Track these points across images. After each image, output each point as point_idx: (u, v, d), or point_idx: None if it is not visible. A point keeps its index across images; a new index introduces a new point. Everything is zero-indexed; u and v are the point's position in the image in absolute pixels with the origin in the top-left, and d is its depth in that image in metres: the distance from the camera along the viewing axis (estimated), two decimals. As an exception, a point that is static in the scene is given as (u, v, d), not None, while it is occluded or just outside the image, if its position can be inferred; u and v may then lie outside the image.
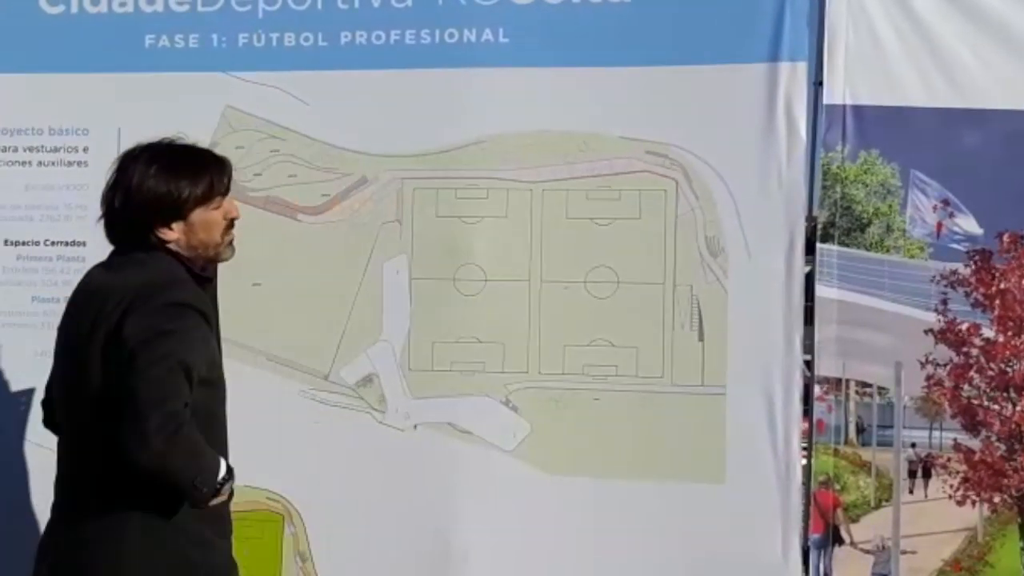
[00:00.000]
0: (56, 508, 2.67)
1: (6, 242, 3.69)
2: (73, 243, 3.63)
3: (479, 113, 3.48)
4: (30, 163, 3.70)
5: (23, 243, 3.70)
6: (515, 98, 3.46)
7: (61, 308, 3.57)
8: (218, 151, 3.52)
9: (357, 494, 3.48)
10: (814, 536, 3.37)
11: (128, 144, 3.52)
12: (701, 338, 3.35)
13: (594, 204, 3.42)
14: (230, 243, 2.74)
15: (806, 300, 3.32)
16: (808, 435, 3.38)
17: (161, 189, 2.60)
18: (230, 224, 2.73)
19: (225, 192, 2.71)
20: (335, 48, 3.55)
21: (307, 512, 3.52)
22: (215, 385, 2.69)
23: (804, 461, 3.36)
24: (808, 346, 3.34)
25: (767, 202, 3.32)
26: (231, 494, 2.67)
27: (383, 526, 3.46)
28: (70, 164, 3.65)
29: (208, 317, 2.63)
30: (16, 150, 3.71)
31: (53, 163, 3.67)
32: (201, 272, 2.69)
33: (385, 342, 3.52)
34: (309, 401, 3.53)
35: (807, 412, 3.37)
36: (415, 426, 3.49)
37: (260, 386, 3.51)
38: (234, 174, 3.51)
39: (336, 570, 3.50)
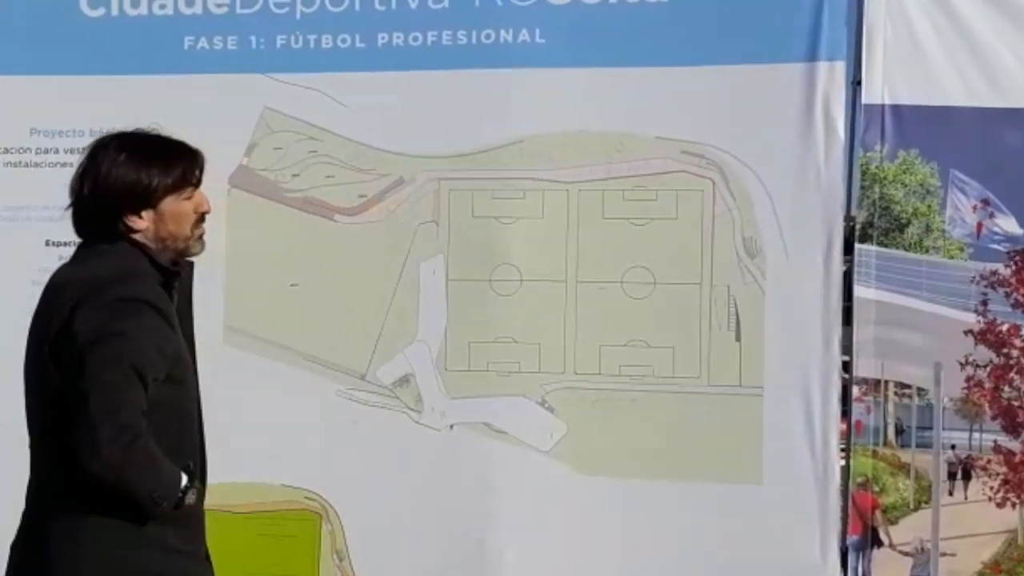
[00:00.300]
0: (24, 513, 2.57)
1: (47, 243, 3.72)
2: (112, 244, 3.66)
3: (515, 114, 3.48)
4: (71, 164, 3.67)
5: (64, 244, 3.71)
6: (551, 98, 3.46)
7: (101, 308, 3.69)
8: (257, 152, 3.62)
9: (393, 493, 3.49)
10: (852, 538, 3.35)
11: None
12: (738, 339, 3.34)
13: (630, 204, 3.42)
14: (200, 237, 2.63)
15: (844, 300, 3.30)
16: (846, 436, 3.36)
17: (131, 176, 2.52)
18: (200, 218, 2.63)
19: (197, 184, 2.62)
20: (372, 49, 3.56)
21: (344, 511, 3.53)
22: (183, 383, 2.57)
23: (842, 462, 3.34)
24: (846, 347, 3.32)
25: (805, 202, 3.30)
26: (201, 498, 2.58)
27: (419, 525, 3.47)
28: (110, 165, 3.68)
29: (165, 312, 2.51)
30: (57, 151, 3.75)
31: None
32: (170, 266, 2.59)
33: (421, 342, 3.53)
34: (346, 401, 3.54)
35: (845, 413, 3.35)
36: (451, 426, 3.50)
37: (298, 386, 3.54)
38: (273, 175, 3.61)
39: (373, 569, 3.51)
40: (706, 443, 3.34)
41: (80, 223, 2.59)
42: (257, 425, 3.56)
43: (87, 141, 3.61)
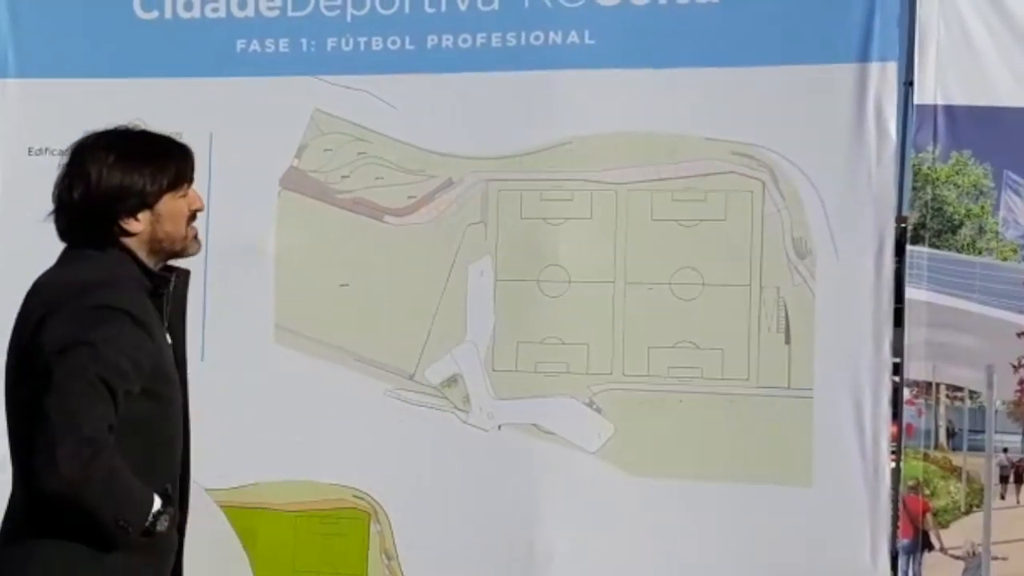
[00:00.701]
0: None
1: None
2: (165, 244, 3.70)
3: (564, 115, 3.49)
4: None
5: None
6: (600, 100, 3.47)
7: (154, 308, 3.72)
8: (307, 154, 3.65)
9: (442, 493, 3.51)
10: (903, 541, 3.33)
11: (222, 148, 3.67)
12: (788, 340, 3.32)
13: (679, 205, 3.42)
14: (195, 236, 2.50)
15: (895, 302, 3.28)
16: (897, 439, 3.33)
17: (126, 177, 2.37)
18: (192, 216, 2.49)
19: (191, 180, 2.49)
20: (422, 51, 3.58)
21: (393, 510, 3.54)
22: (162, 399, 2.39)
23: (893, 465, 3.32)
24: (897, 349, 3.30)
25: (856, 203, 3.28)
26: (174, 523, 2.38)
27: (468, 525, 3.48)
28: (163, 167, 3.71)
29: (145, 323, 2.34)
30: (111, 153, 3.79)
31: None
32: (160, 272, 2.46)
33: (470, 343, 3.54)
34: (395, 401, 3.56)
35: (896, 416, 3.33)
36: (499, 426, 3.51)
37: (347, 385, 3.56)
38: (323, 176, 3.63)
39: (421, 568, 3.52)
40: (755, 445, 3.33)
41: (67, 230, 2.43)
42: (306, 424, 3.59)
43: (140, 143, 3.72)
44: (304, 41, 3.66)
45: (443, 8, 3.57)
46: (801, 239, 3.33)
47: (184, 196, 2.46)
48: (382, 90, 3.59)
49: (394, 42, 3.60)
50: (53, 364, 2.22)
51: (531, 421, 3.48)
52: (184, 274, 2.54)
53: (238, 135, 3.67)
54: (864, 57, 3.29)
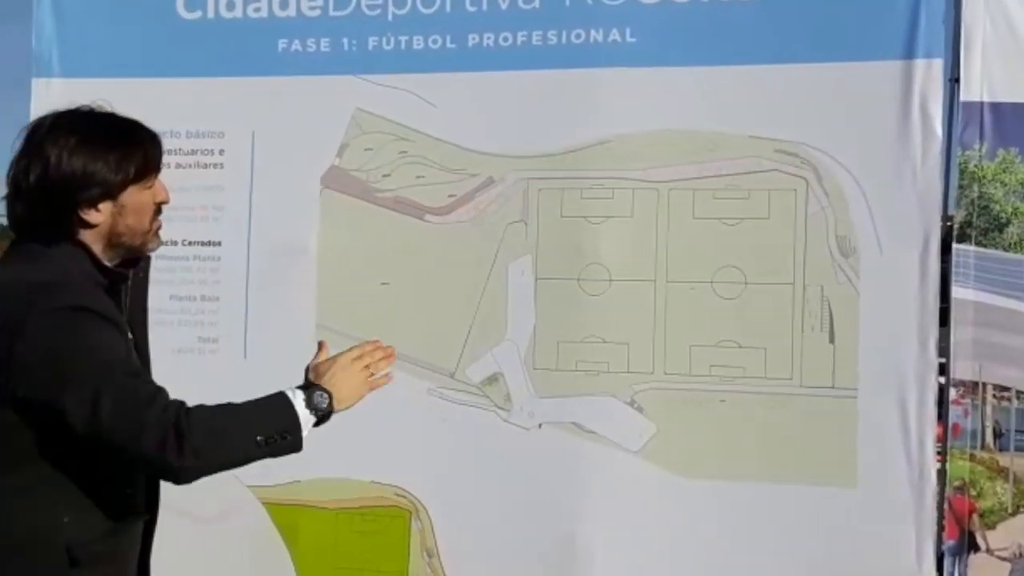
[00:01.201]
0: None
1: (148, 242, 3.80)
2: (209, 243, 3.72)
3: (606, 113, 3.48)
4: (168, 165, 3.68)
5: (162, 243, 3.80)
6: (642, 98, 3.45)
7: (197, 306, 3.75)
8: (348, 153, 3.66)
9: (483, 492, 3.51)
10: (949, 542, 3.30)
11: (263, 147, 3.69)
12: (832, 339, 3.30)
13: (721, 204, 3.40)
14: (157, 231, 2.34)
15: (941, 302, 3.25)
16: (943, 439, 3.30)
17: (89, 164, 2.19)
18: (158, 209, 2.33)
19: (158, 170, 2.32)
20: (463, 50, 3.58)
21: (434, 508, 3.55)
22: None
23: (939, 466, 3.28)
24: (943, 348, 3.27)
25: (901, 201, 3.25)
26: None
27: (509, 524, 3.48)
28: (206, 166, 3.73)
29: (115, 321, 2.20)
30: (155, 153, 3.82)
31: (190, 165, 3.75)
32: (116, 267, 2.30)
33: (510, 341, 3.54)
34: (436, 399, 3.56)
35: (942, 416, 3.29)
36: (540, 425, 3.50)
37: (389, 384, 3.56)
38: (364, 175, 3.64)
39: (462, 567, 3.52)
40: (799, 445, 3.30)
41: (19, 218, 2.24)
42: (347, 421, 3.56)
43: (184, 142, 3.76)
44: (345, 40, 3.66)
45: (484, 7, 3.56)
46: (845, 237, 3.30)
47: (150, 188, 2.29)
48: (423, 89, 3.59)
49: (435, 41, 3.60)
50: (63, 397, 2.06)
51: (572, 420, 3.47)
52: (145, 261, 2.40)
53: (280, 134, 3.69)
54: (909, 54, 3.26)
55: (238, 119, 3.72)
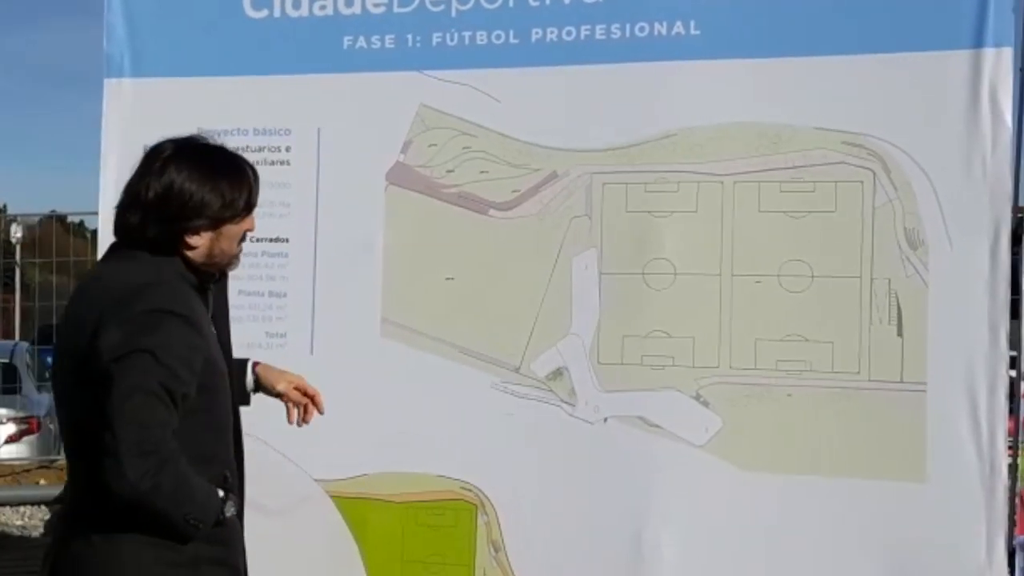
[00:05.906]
0: (59, 524, 2.56)
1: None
2: (276, 239, 3.76)
3: (670, 107, 3.47)
4: None
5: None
6: (706, 91, 3.43)
7: (265, 302, 3.80)
8: (412, 149, 3.68)
9: (548, 486, 3.51)
10: (1020, 538, 3.26)
11: (329, 144, 3.73)
12: (900, 333, 3.26)
13: (787, 197, 3.37)
14: (238, 255, 2.63)
15: (1012, 294, 3.20)
16: (1014, 433, 3.26)
17: (205, 195, 2.46)
18: (243, 235, 2.61)
19: (255, 206, 2.61)
20: (526, 45, 3.58)
21: (499, 503, 3.56)
22: (215, 390, 2.52)
23: (1009, 460, 3.24)
24: (1014, 342, 3.22)
25: (970, 193, 3.21)
26: (240, 510, 2.56)
27: (574, 518, 3.48)
28: (273, 163, 3.77)
29: (193, 320, 2.45)
30: (223, 151, 3.87)
31: (257, 162, 3.69)
32: (205, 269, 2.56)
33: (575, 336, 3.54)
34: (501, 393, 3.57)
35: (1013, 410, 3.25)
36: (605, 419, 3.50)
37: (454, 378, 3.59)
38: (428, 171, 3.67)
39: (529, 561, 3.53)
40: (867, 439, 3.27)
41: (130, 226, 2.50)
42: (413, 416, 3.62)
43: (251, 140, 3.80)
44: (409, 37, 3.68)
45: (547, 1, 3.56)
46: (913, 229, 3.26)
47: (245, 219, 2.57)
48: (487, 84, 3.60)
49: (498, 36, 3.61)
50: (114, 372, 2.31)
51: (637, 414, 3.47)
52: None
53: (345, 131, 3.72)
54: (978, 43, 3.21)
55: (304, 116, 3.76)
